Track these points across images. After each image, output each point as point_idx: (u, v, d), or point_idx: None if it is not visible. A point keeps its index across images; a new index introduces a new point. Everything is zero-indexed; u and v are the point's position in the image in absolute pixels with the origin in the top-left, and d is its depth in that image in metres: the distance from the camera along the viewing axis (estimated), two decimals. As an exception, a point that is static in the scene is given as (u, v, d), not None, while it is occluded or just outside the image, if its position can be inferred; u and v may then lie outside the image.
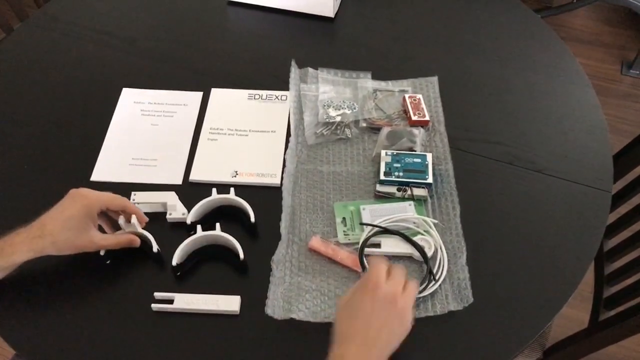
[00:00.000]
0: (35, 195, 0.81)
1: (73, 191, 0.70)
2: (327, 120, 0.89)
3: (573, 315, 1.09)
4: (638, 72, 2.02)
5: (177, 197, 0.78)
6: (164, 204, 0.78)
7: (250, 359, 0.67)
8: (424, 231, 0.76)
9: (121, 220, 0.73)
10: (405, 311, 0.62)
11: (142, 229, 0.74)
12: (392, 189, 0.80)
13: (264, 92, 0.94)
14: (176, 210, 0.78)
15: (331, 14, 1.07)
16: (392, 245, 0.75)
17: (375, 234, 0.75)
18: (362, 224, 0.77)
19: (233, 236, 0.73)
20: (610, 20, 2.22)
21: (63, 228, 0.67)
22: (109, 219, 0.75)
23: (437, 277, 0.72)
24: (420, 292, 0.70)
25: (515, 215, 0.80)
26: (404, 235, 0.75)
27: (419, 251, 0.73)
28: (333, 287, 0.72)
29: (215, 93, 0.95)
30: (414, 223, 0.77)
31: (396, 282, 0.62)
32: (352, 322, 0.61)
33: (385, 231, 0.75)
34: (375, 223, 0.76)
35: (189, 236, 0.73)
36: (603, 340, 0.86)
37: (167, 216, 0.78)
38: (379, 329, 0.60)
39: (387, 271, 0.63)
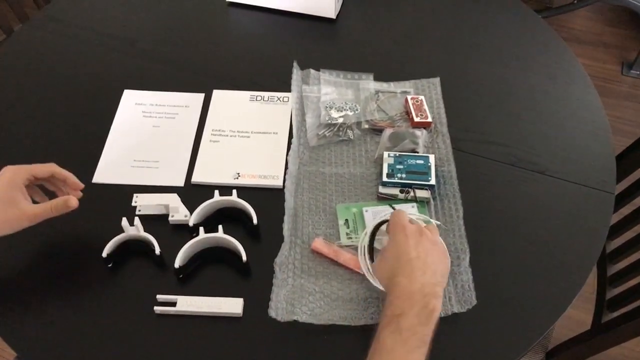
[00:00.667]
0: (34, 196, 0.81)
1: None
2: (329, 121, 0.88)
3: (576, 316, 1.09)
4: (638, 73, 2.02)
5: (179, 199, 0.78)
6: (166, 206, 0.78)
7: (253, 361, 0.67)
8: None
9: (124, 223, 0.73)
10: (436, 240, 0.67)
11: (144, 231, 0.74)
12: (395, 191, 0.80)
13: (265, 94, 0.94)
14: (178, 212, 0.77)
15: (333, 15, 1.06)
16: None
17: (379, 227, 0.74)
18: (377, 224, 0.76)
19: (235, 238, 0.73)
20: (611, 21, 2.22)
21: None
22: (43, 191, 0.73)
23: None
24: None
25: (518, 216, 0.80)
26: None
27: None
28: (336, 289, 0.72)
29: (217, 94, 0.94)
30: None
31: (418, 224, 0.68)
32: (396, 263, 0.63)
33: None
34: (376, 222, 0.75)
35: (191, 238, 0.73)
36: (606, 342, 0.86)
37: (169, 218, 0.77)
38: (422, 257, 0.63)
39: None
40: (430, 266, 0.63)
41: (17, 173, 0.67)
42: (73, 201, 0.69)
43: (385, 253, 0.66)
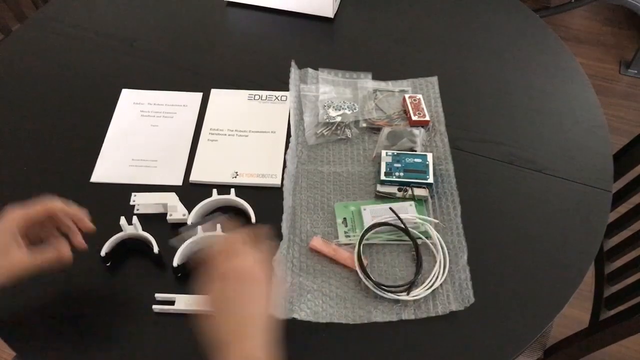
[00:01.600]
0: (34, 197, 0.81)
1: None
2: (328, 120, 0.89)
3: (573, 314, 1.09)
4: (636, 72, 2.02)
5: (177, 198, 0.78)
6: (165, 205, 0.78)
7: None
8: (425, 231, 0.76)
9: (122, 222, 0.73)
10: (246, 273, 0.58)
11: (143, 230, 0.74)
12: (393, 189, 0.80)
13: (263, 93, 0.94)
14: (177, 211, 0.77)
15: (331, 14, 1.07)
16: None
17: (373, 229, 0.75)
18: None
19: (234, 237, 0.73)
20: (609, 20, 2.23)
21: None
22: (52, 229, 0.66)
23: (438, 275, 0.72)
24: (412, 282, 0.71)
25: (516, 215, 0.80)
26: (403, 229, 0.75)
27: (411, 240, 0.74)
28: (334, 287, 0.72)
29: (215, 94, 0.94)
30: (415, 223, 0.77)
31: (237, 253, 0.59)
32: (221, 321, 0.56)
33: (385, 225, 0.75)
34: (375, 222, 0.76)
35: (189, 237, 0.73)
36: (603, 340, 0.86)
37: (168, 217, 0.77)
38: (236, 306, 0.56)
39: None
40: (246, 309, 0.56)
41: (12, 219, 0.62)
42: (66, 257, 0.64)
43: (212, 296, 0.58)
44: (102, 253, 0.72)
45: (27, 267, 0.62)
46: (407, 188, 0.80)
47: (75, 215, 0.66)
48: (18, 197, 0.81)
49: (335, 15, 1.08)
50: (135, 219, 0.73)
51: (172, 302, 0.70)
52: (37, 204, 0.64)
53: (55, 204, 0.65)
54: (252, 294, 0.58)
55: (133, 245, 0.75)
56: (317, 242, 0.75)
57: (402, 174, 0.81)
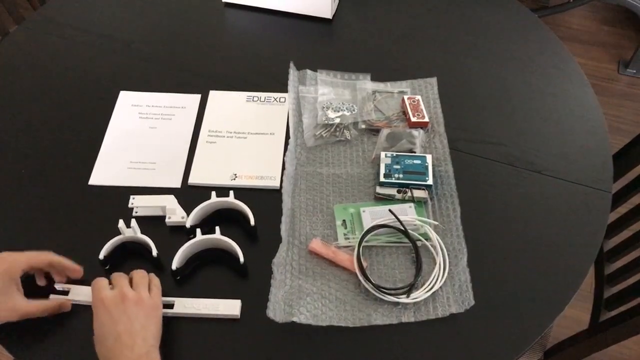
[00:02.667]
0: (32, 200, 0.81)
1: None
2: (326, 122, 0.88)
3: (574, 315, 1.09)
4: (635, 71, 2.02)
5: (176, 200, 0.78)
6: (163, 208, 0.77)
7: (251, 363, 0.67)
8: (424, 233, 0.76)
9: (121, 225, 0.72)
10: (141, 296, 0.64)
11: (141, 233, 0.74)
12: (392, 191, 0.80)
13: (262, 94, 0.94)
14: (175, 213, 0.77)
15: (329, 15, 1.06)
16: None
17: (372, 231, 0.75)
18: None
19: (233, 239, 0.73)
20: (607, 20, 2.23)
21: None
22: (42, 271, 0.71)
23: (437, 277, 0.72)
24: (412, 284, 0.71)
25: (516, 216, 0.80)
26: (403, 231, 0.75)
27: (411, 242, 0.74)
28: (334, 290, 0.72)
29: (214, 95, 0.94)
30: (414, 225, 0.76)
31: (140, 286, 0.65)
32: (106, 346, 0.61)
33: (384, 227, 0.75)
34: (374, 224, 0.76)
35: (188, 240, 0.73)
36: (604, 341, 0.86)
37: (166, 220, 0.77)
38: (129, 328, 0.61)
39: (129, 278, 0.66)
40: (140, 333, 0.61)
41: (15, 264, 0.65)
42: (67, 307, 0.69)
43: (95, 336, 0.62)
44: (101, 256, 0.72)
45: (28, 313, 0.66)
46: (407, 190, 0.80)
47: (68, 267, 0.70)
48: (16, 201, 0.81)
49: (334, 16, 1.08)
50: (133, 222, 0.73)
51: (171, 306, 0.70)
52: (39, 255, 0.68)
53: (55, 258, 0.69)
54: (148, 334, 0.62)
55: (132, 248, 0.75)
56: (317, 245, 0.75)
57: (401, 175, 0.80)
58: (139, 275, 0.67)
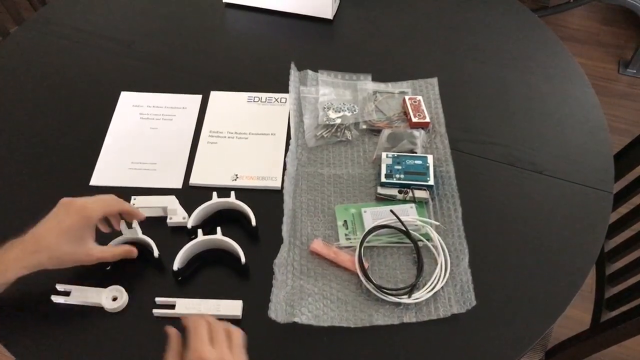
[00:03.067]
0: (34, 200, 0.81)
1: (66, 201, 0.66)
2: (327, 122, 0.88)
3: (575, 316, 1.09)
4: (635, 71, 2.02)
5: (177, 201, 0.78)
6: (164, 209, 0.77)
7: (253, 363, 0.67)
8: (426, 233, 0.76)
9: (122, 226, 0.72)
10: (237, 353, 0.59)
11: (143, 234, 0.74)
12: (394, 191, 0.80)
13: (263, 95, 0.94)
14: (176, 214, 0.77)
15: (330, 16, 1.06)
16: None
17: (374, 232, 0.75)
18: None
19: (234, 240, 0.73)
20: (607, 20, 2.23)
21: (61, 241, 0.64)
22: (105, 222, 0.73)
23: (439, 278, 0.72)
24: (414, 285, 0.71)
25: (517, 216, 0.80)
26: (404, 231, 0.75)
27: (412, 242, 0.74)
28: (335, 290, 0.72)
29: (215, 96, 0.94)
30: (416, 225, 0.76)
31: (220, 344, 0.58)
32: None
33: (385, 227, 0.75)
34: (376, 224, 0.76)
35: (189, 240, 0.73)
36: (605, 341, 0.86)
37: (168, 221, 0.77)
38: None
39: (208, 332, 0.59)
40: None
41: (94, 213, 0.67)
42: (134, 253, 0.71)
43: None
44: (108, 267, 0.72)
45: (100, 258, 0.68)
46: (408, 190, 0.80)
47: (136, 213, 0.73)
48: (17, 201, 0.81)
49: (335, 16, 1.08)
50: (135, 223, 0.73)
51: (172, 306, 0.70)
52: (112, 202, 0.70)
53: (125, 206, 0.71)
54: None
55: (133, 249, 0.75)
56: (318, 245, 0.75)
57: (402, 176, 0.80)
58: (236, 338, 0.61)
